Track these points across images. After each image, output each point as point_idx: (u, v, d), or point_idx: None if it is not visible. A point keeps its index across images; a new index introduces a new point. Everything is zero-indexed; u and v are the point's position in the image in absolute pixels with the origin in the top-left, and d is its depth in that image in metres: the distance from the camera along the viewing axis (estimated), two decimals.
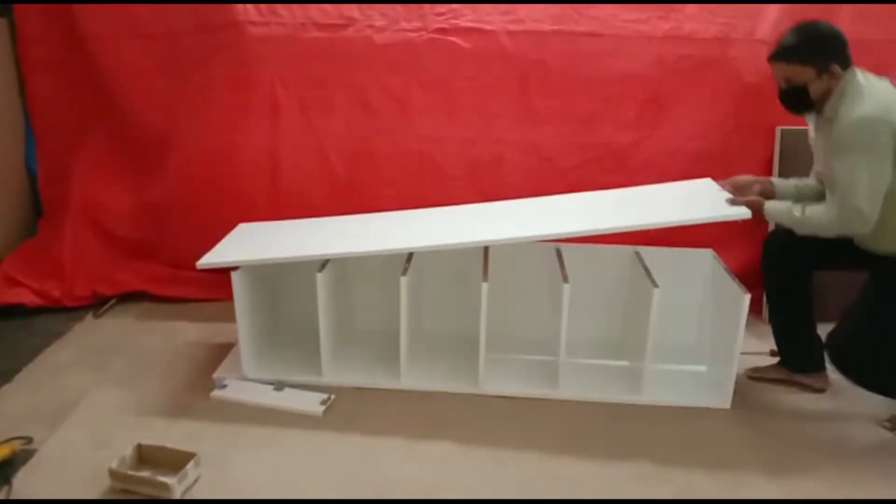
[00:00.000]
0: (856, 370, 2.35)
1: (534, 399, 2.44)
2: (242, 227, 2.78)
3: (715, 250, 2.68)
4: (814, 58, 2.13)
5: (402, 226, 2.64)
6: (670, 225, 2.28)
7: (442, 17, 2.96)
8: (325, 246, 2.49)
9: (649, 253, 2.63)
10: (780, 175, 3.03)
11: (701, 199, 2.44)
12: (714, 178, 3.05)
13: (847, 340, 2.34)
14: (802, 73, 2.14)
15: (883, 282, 2.25)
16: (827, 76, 2.12)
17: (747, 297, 2.25)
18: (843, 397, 2.50)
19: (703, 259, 2.66)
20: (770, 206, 2.25)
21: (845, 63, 2.13)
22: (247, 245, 2.56)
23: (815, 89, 2.15)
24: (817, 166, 2.36)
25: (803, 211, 2.17)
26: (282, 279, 2.81)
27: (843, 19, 2.89)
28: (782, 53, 2.18)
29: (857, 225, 2.08)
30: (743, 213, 2.24)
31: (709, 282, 2.63)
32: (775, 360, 2.62)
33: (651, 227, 2.29)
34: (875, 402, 2.44)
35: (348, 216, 2.80)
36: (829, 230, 2.15)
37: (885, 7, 2.88)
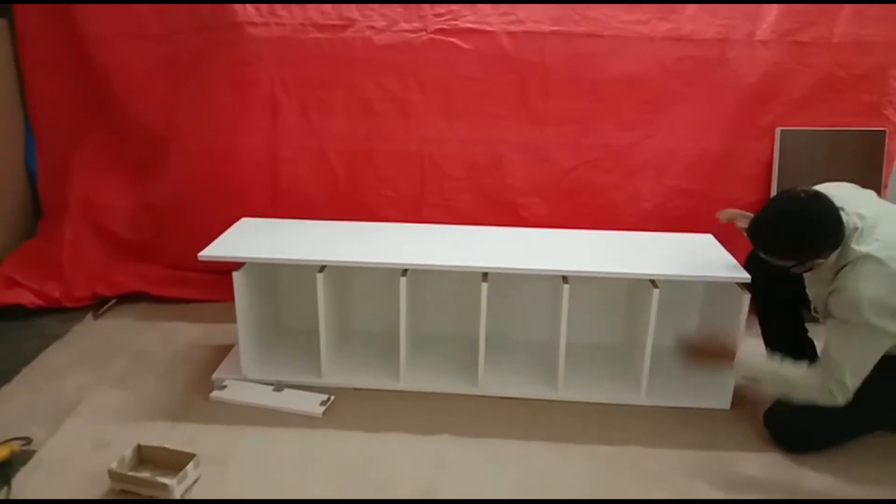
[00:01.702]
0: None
1: (533, 400, 2.44)
2: (245, 222, 2.78)
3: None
4: (795, 254, 1.97)
5: (405, 239, 2.61)
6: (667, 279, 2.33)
7: (442, 18, 2.96)
8: (328, 250, 2.48)
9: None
10: (780, 175, 3.04)
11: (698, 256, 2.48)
12: (709, 183, 3.07)
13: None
14: (781, 262, 1.99)
15: None
16: (812, 263, 1.97)
17: (747, 297, 2.25)
18: None
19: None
20: (745, 362, 2.10)
21: (836, 244, 1.93)
22: (249, 241, 2.55)
23: (797, 270, 2.02)
24: (809, 291, 2.18)
25: (779, 366, 2.02)
26: (282, 280, 2.81)
27: (843, 20, 2.91)
28: (762, 248, 1.99)
29: (837, 398, 1.92)
30: (743, 276, 2.27)
31: (709, 282, 2.62)
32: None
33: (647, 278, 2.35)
34: None
35: (352, 223, 2.80)
36: (804, 396, 1.98)
37: (885, 7, 2.88)
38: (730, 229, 2.99)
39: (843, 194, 2.01)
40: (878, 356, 1.91)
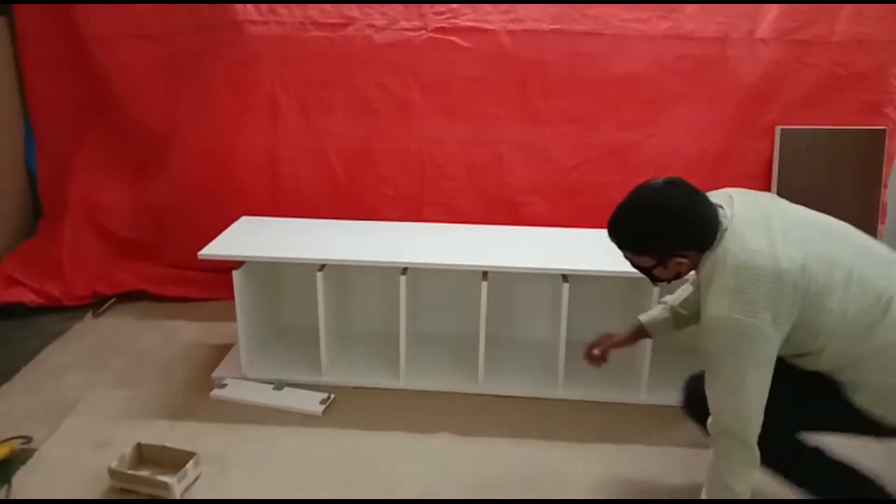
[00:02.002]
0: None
1: (533, 399, 2.44)
2: (245, 221, 2.78)
3: None
4: (647, 249, 1.67)
5: (405, 238, 2.61)
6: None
7: (442, 17, 2.96)
8: (328, 249, 2.48)
9: None
10: (780, 174, 3.04)
11: None
12: (709, 183, 3.06)
13: None
14: (639, 261, 1.70)
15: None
16: (673, 263, 1.65)
17: None
18: None
19: None
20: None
21: (702, 244, 1.61)
22: (249, 240, 2.55)
23: (661, 273, 1.70)
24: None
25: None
26: (282, 278, 2.81)
27: (843, 19, 2.90)
28: (613, 238, 1.72)
29: (738, 456, 1.63)
30: None
31: None
32: None
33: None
34: None
35: (352, 222, 2.80)
36: (728, 479, 1.66)
37: (885, 6, 2.88)
38: None
39: (747, 199, 1.74)
40: (759, 387, 1.54)
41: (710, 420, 1.66)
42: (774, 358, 1.54)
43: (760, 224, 1.61)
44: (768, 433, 1.58)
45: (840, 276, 1.54)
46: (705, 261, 1.60)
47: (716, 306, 1.53)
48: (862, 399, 1.58)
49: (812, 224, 1.66)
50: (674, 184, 1.69)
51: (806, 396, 1.66)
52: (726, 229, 1.61)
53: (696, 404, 1.82)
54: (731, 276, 1.52)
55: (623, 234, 1.69)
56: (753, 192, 1.84)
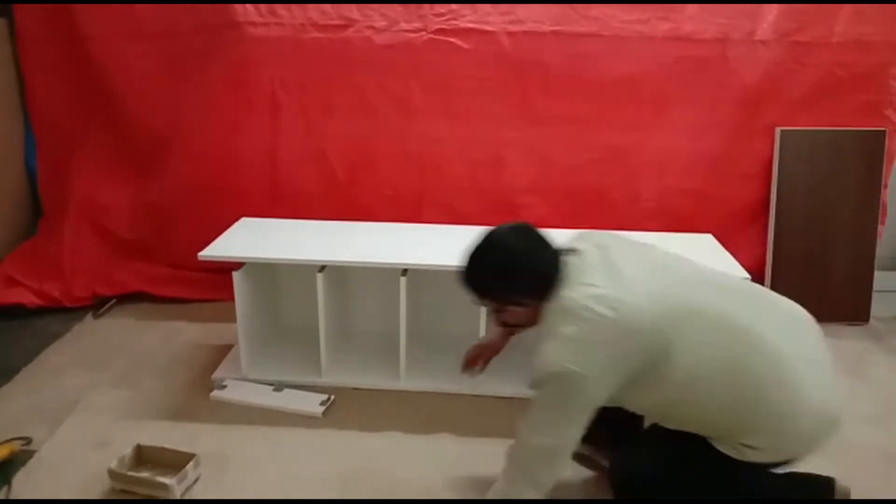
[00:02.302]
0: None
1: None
2: (245, 222, 2.78)
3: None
4: (484, 293, 1.68)
5: (405, 239, 2.61)
6: None
7: (442, 18, 2.96)
8: (328, 250, 2.48)
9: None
10: (780, 175, 3.04)
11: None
12: (709, 183, 3.07)
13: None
14: (483, 304, 1.74)
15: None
16: (511, 310, 1.67)
17: None
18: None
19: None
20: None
21: (538, 292, 1.60)
22: (249, 241, 2.55)
23: (509, 319, 1.72)
24: None
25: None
26: (281, 279, 2.81)
27: (842, 20, 2.90)
28: (459, 281, 1.70)
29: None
30: (743, 275, 2.23)
31: None
32: None
33: None
34: (866, 403, 2.44)
35: (352, 223, 2.80)
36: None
37: (885, 7, 2.88)
38: (729, 230, 3.00)
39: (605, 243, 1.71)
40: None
41: (513, 444, 1.65)
42: (601, 402, 1.54)
43: (608, 271, 1.58)
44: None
45: (696, 319, 1.53)
46: (547, 307, 1.59)
47: (551, 354, 1.52)
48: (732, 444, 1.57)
49: (662, 267, 1.65)
50: (517, 229, 1.67)
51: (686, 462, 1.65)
52: (569, 277, 1.59)
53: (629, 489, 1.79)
54: (570, 323, 1.51)
55: (463, 276, 1.68)
56: (607, 235, 1.82)
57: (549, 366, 1.52)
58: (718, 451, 1.59)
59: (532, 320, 1.67)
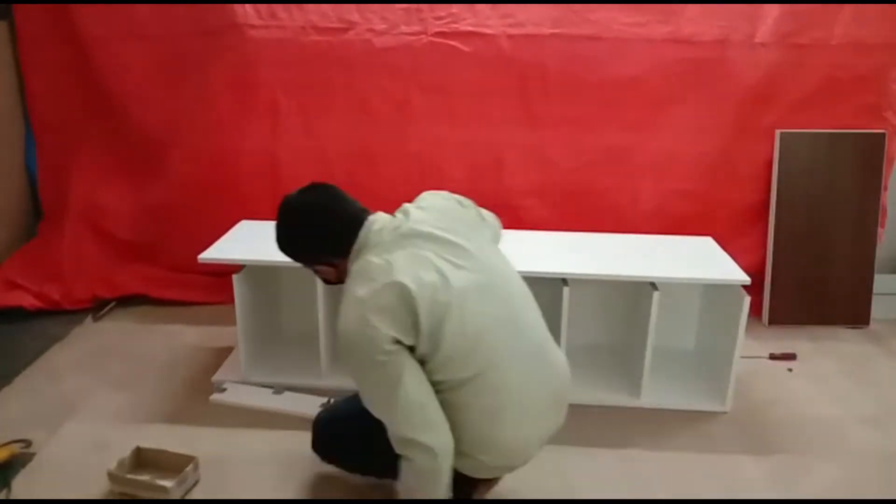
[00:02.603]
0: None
1: None
2: (245, 225, 2.78)
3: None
4: (294, 254, 1.74)
5: None
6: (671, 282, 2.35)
7: (441, 21, 2.96)
8: None
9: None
10: (780, 177, 3.04)
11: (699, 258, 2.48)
12: (709, 186, 3.07)
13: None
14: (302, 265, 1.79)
15: None
16: (322, 270, 1.74)
17: (747, 300, 2.25)
18: (843, 399, 2.50)
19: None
20: None
21: (336, 250, 1.66)
22: (249, 244, 2.55)
23: (328, 277, 1.76)
24: None
25: None
26: (281, 282, 2.80)
27: (842, 23, 2.91)
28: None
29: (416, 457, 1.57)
30: (743, 279, 2.25)
31: (709, 284, 2.62)
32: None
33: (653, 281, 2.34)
34: (866, 405, 2.44)
35: None
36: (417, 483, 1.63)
37: (885, 9, 2.89)
38: (729, 232, 3.00)
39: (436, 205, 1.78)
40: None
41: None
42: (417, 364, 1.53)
43: (412, 243, 1.59)
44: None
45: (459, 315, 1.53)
46: (350, 267, 1.60)
47: (346, 319, 1.52)
48: None
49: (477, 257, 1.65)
50: (311, 189, 1.72)
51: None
52: (371, 240, 1.60)
53: (325, 445, 1.89)
54: (364, 286, 1.51)
55: (276, 240, 1.71)
56: (439, 201, 1.88)
57: (349, 332, 1.51)
58: None
59: (333, 280, 1.72)
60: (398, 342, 1.50)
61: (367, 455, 1.78)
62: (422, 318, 1.49)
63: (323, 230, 1.65)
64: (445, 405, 1.57)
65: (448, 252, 1.60)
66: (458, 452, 1.59)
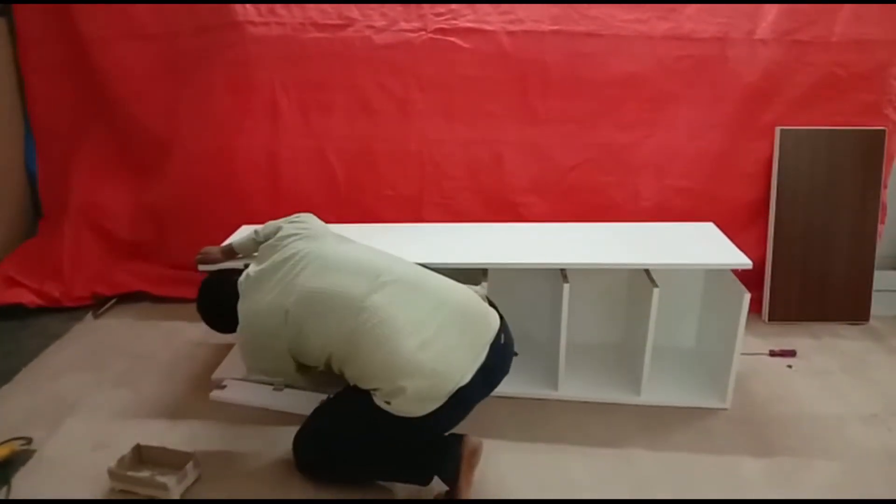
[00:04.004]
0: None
1: (533, 399, 2.44)
2: (245, 230, 2.77)
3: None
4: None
5: (405, 239, 2.61)
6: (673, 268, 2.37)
7: (441, 18, 2.96)
8: None
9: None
10: (780, 174, 3.04)
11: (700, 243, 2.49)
12: (708, 182, 3.07)
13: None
14: None
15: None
16: None
17: (747, 296, 2.25)
18: (843, 395, 2.50)
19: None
20: None
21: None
22: None
23: None
24: None
25: None
26: None
27: (842, 20, 2.90)
28: None
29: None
30: (743, 262, 2.26)
31: (709, 280, 2.62)
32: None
33: (653, 267, 2.34)
34: (866, 402, 2.44)
35: (351, 224, 2.80)
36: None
37: (885, 7, 2.88)
38: (729, 229, 3.00)
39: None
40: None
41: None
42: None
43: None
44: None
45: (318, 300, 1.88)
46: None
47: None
48: (380, 396, 1.84)
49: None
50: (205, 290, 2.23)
51: (346, 413, 1.97)
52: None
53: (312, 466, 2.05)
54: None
55: None
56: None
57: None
58: (376, 406, 1.85)
59: None
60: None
61: (362, 464, 1.96)
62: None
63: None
64: (343, 356, 1.88)
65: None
66: (384, 393, 1.82)
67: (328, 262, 1.96)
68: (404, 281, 1.94)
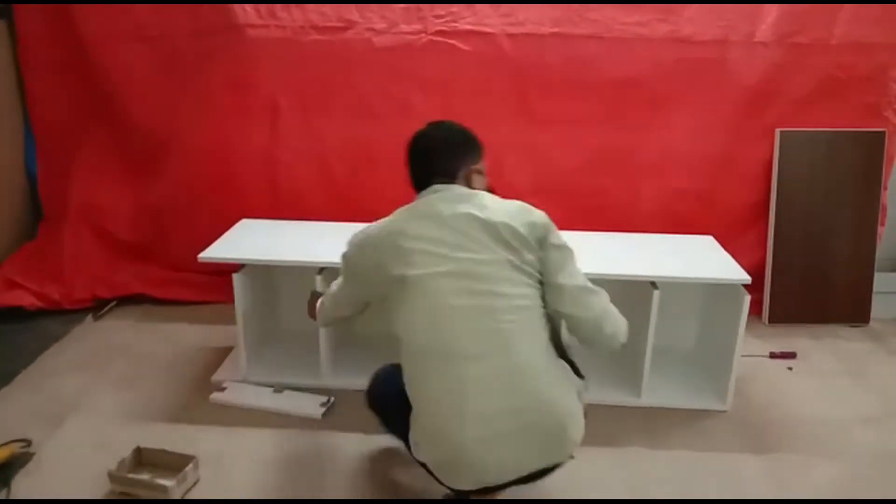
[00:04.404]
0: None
1: None
2: (245, 224, 2.78)
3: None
4: None
5: None
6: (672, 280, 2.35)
7: (441, 20, 2.96)
8: (328, 252, 2.47)
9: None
10: (780, 176, 3.04)
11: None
12: (709, 185, 3.07)
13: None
14: None
15: None
16: None
17: (748, 298, 2.25)
18: (843, 397, 2.50)
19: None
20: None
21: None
22: (249, 243, 2.55)
23: None
24: None
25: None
26: (281, 281, 2.80)
27: (842, 22, 2.90)
28: None
29: None
30: (743, 277, 2.26)
31: (709, 283, 2.62)
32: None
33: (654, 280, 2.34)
34: (866, 404, 2.45)
35: (352, 224, 2.79)
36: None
37: (885, 8, 2.88)
38: (729, 231, 3.00)
39: None
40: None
41: None
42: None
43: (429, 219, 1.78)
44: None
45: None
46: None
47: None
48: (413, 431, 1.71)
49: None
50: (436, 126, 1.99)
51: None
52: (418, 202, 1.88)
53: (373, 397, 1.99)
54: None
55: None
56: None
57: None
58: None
59: None
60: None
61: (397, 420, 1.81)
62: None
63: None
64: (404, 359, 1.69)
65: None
66: (413, 430, 1.70)
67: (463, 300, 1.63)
68: (507, 370, 1.59)
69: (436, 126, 1.93)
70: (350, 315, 1.95)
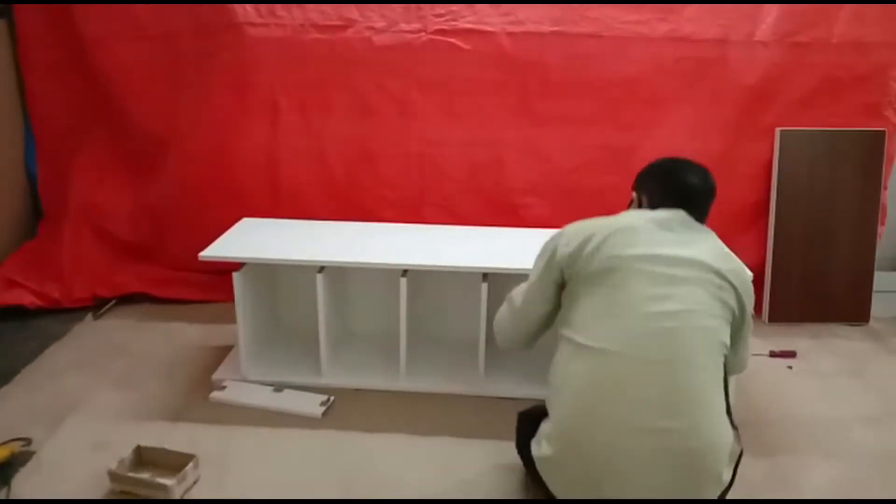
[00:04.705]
0: None
1: (533, 400, 2.43)
2: (245, 223, 2.78)
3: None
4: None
5: (405, 240, 2.61)
6: None
7: (441, 19, 2.96)
8: (328, 251, 2.48)
9: None
10: (780, 176, 3.04)
11: None
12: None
13: None
14: None
15: None
16: None
17: None
18: (843, 397, 2.50)
19: None
20: None
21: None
22: (249, 242, 2.55)
23: None
24: None
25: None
26: (282, 280, 2.81)
27: (842, 21, 2.90)
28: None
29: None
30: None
31: None
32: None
33: None
34: (866, 403, 2.45)
35: (352, 223, 2.81)
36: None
37: (885, 8, 2.88)
38: (729, 230, 3.00)
39: None
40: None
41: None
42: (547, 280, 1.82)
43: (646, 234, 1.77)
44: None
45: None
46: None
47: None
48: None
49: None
50: (689, 168, 2.00)
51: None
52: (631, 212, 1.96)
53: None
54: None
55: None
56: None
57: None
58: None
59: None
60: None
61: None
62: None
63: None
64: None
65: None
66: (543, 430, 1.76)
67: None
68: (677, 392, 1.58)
69: (701, 173, 1.95)
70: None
